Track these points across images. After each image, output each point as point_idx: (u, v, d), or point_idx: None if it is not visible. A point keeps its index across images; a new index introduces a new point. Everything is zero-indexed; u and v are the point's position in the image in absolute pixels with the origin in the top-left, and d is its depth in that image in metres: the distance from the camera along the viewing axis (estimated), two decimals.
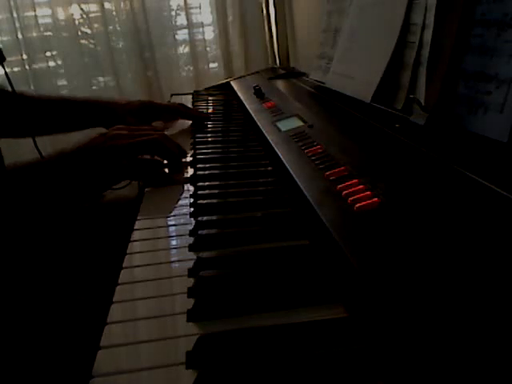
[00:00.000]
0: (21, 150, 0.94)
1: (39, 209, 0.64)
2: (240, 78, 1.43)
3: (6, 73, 0.65)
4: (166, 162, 0.72)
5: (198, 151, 0.78)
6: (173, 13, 1.70)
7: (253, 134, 0.85)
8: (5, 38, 1.57)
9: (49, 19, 1.60)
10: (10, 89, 0.76)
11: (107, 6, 1.62)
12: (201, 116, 1.02)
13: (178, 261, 0.47)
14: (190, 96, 1.31)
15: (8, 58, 0.76)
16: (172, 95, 1.37)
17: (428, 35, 0.56)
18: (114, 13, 1.64)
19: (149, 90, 1.68)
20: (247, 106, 0.97)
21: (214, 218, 0.53)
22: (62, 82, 1.67)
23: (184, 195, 0.62)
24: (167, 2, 1.68)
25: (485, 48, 0.47)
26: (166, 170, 0.72)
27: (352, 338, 0.33)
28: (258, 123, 0.81)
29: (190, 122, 1.01)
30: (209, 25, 1.72)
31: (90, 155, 0.65)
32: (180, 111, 1.00)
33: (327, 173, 0.50)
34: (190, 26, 1.71)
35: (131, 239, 0.51)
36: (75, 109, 0.93)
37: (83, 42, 1.64)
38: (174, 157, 0.72)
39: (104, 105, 0.94)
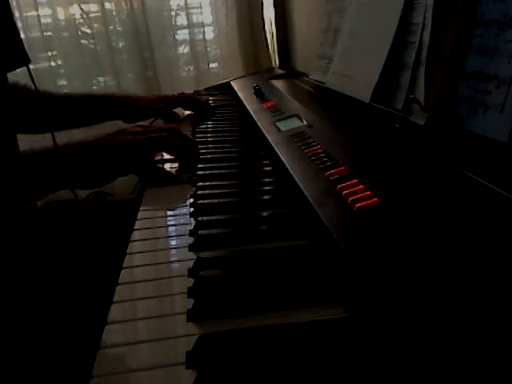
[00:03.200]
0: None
1: (41, 192, 0.66)
2: (240, 78, 1.43)
3: (30, 74, 0.68)
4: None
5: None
6: (173, 13, 1.69)
7: (253, 134, 0.85)
8: None
9: (49, 19, 1.60)
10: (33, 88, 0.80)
11: (107, 6, 1.62)
12: (209, 108, 1.09)
13: (178, 261, 0.47)
14: None
15: None
16: None
17: (427, 35, 0.56)
18: (114, 13, 1.63)
19: (149, 89, 1.67)
20: (247, 106, 0.97)
21: (213, 218, 0.53)
22: (63, 82, 1.66)
23: (184, 195, 0.62)
24: (167, 2, 1.68)
25: (485, 48, 0.47)
26: (168, 169, 0.73)
27: (352, 338, 0.33)
28: (258, 123, 0.81)
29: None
30: (209, 25, 1.72)
31: (97, 147, 0.68)
32: (195, 100, 1.08)
33: (327, 173, 0.50)
34: (190, 25, 1.70)
35: (131, 239, 0.51)
36: (95, 103, 0.99)
37: (83, 41, 1.64)
38: (183, 155, 0.73)
39: (121, 98, 1.01)
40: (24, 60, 0.68)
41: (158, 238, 0.52)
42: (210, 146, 0.82)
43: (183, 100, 1.07)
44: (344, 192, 0.45)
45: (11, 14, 0.54)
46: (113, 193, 0.91)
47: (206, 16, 1.71)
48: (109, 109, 0.98)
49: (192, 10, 1.70)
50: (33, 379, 0.53)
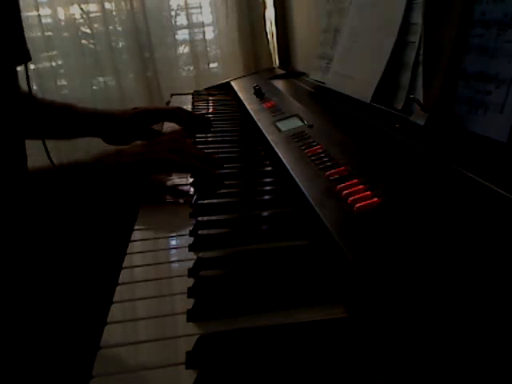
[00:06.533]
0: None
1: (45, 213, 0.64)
2: (240, 78, 1.43)
3: (27, 73, 0.64)
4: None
5: None
6: (173, 13, 1.69)
7: (253, 134, 0.85)
8: None
9: (49, 19, 1.60)
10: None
11: (107, 5, 1.62)
12: (192, 125, 0.92)
13: (178, 261, 0.47)
14: (190, 96, 1.31)
15: None
16: (172, 95, 1.36)
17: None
18: (114, 13, 1.63)
19: (149, 89, 1.67)
20: (247, 106, 0.97)
21: (213, 218, 0.53)
22: (63, 82, 1.67)
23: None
24: (167, 2, 1.68)
25: (485, 48, 0.47)
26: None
27: (352, 338, 0.33)
28: (258, 123, 0.81)
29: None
30: (209, 25, 1.72)
31: (95, 170, 0.62)
32: (178, 120, 0.92)
33: (327, 173, 0.50)
34: (190, 25, 1.70)
35: (131, 239, 0.51)
36: (76, 118, 0.92)
37: (83, 42, 1.64)
38: (189, 171, 0.66)
39: (102, 116, 0.92)
40: (25, 57, 0.66)
41: (158, 238, 0.52)
42: (210, 146, 0.82)
43: (165, 115, 0.93)
44: (344, 192, 0.45)
45: (19, 10, 0.53)
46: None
47: (206, 16, 1.71)
48: (88, 125, 0.91)
49: (192, 10, 1.70)
50: (33, 379, 0.53)
